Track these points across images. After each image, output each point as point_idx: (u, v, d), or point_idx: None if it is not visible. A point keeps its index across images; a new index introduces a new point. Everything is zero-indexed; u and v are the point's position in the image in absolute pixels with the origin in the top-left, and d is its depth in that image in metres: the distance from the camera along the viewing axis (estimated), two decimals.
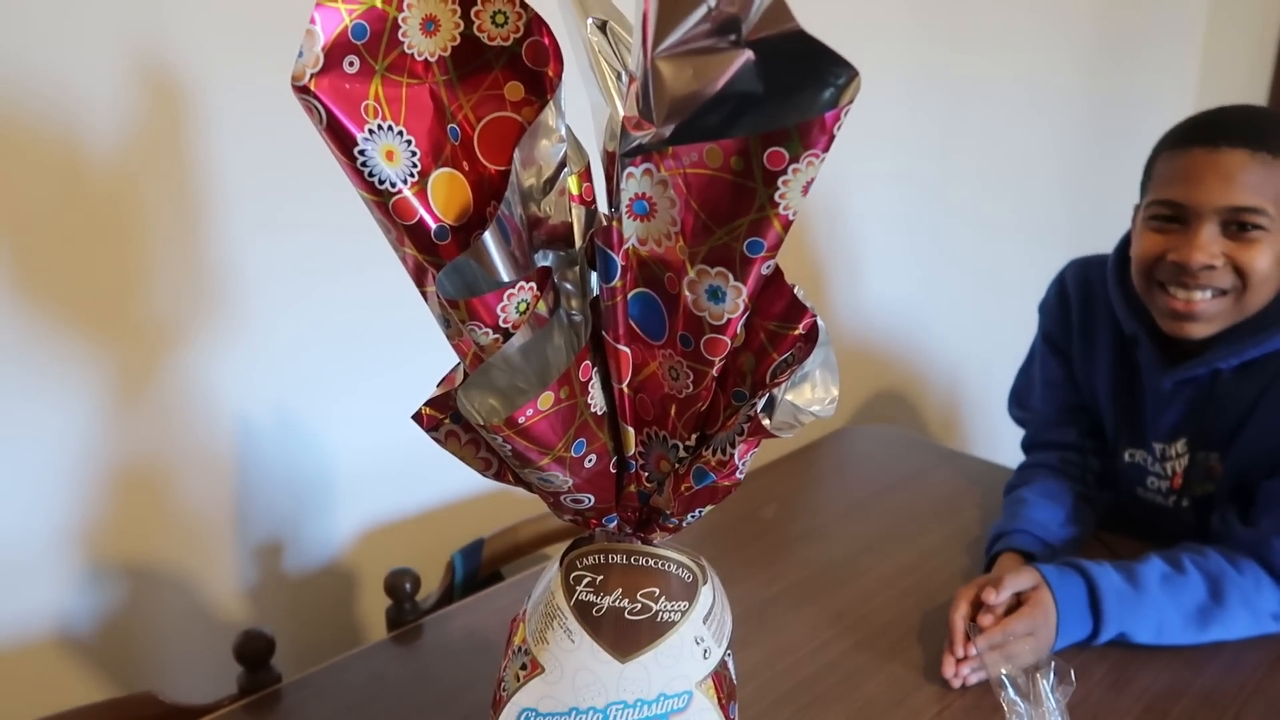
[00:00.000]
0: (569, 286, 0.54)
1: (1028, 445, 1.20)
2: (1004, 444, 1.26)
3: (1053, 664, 0.59)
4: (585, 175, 0.54)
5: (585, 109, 0.56)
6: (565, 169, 0.50)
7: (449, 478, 1.24)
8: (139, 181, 0.93)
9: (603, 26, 0.54)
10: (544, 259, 0.52)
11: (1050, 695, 0.53)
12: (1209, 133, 0.90)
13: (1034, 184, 1.95)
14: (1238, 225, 0.89)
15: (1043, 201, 1.98)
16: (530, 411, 0.46)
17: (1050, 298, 1.14)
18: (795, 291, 0.50)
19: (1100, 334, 1.08)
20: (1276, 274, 0.91)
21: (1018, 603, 0.91)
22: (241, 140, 0.97)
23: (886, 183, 1.65)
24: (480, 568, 1.12)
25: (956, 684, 0.87)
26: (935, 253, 1.79)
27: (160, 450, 1.02)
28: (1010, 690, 0.55)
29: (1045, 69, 1.86)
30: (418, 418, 0.55)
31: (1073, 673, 0.58)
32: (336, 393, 1.12)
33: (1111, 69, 1.99)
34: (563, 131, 0.49)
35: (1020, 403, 1.22)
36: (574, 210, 0.53)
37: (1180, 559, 0.94)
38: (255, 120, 0.97)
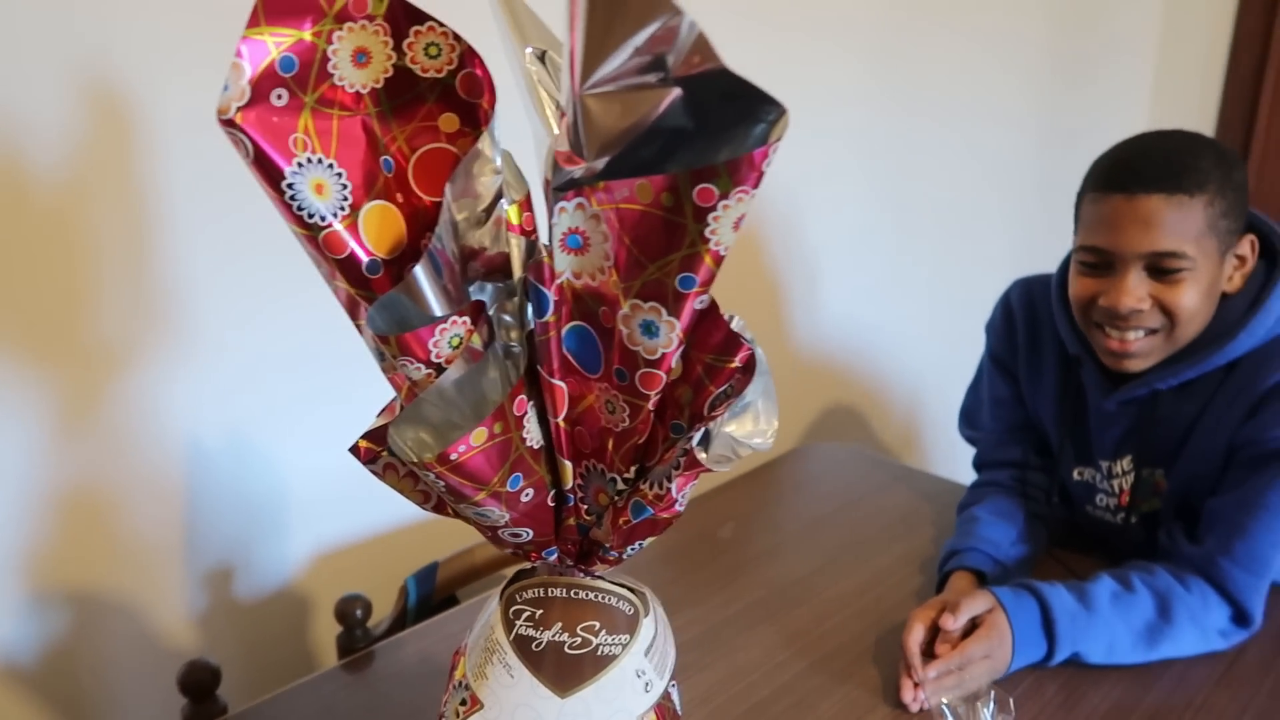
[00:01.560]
0: (508, 318, 0.53)
1: (979, 464, 1.21)
2: (963, 461, 1.27)
3: (992, 692, 0.59)
4: (526, 205, 0.54)
5: (529, 137, 0.56)
6: (502, 200, 0.50)
7: (404, 500, 1.23)
8: (86, 201, 0.91)
9: (541, 56, 0.54)
10: (481, 291, 0.52)
11: None
12: (1125, 180, 0.90)
13: (990, 205, 1.97)
14: (1161, 270, 0.90)
15: (998, 222, 2.00)
16: (463, 447, 0.45)
17: (996, 318, 1.15)
18: (732, 324, 0.50)
19: (1046, 354, 1.09)
20: (1206, 305, 0.93)
21: (973, 626, 0.91)
22: (191, 160, 0.96)
23: (844, 205, 1.66)
24: (434, 592, 1.10)
25: (915, 708, 0.87)
26: (893, 273, 1.81)
27: (107, 474, 1.00)
28: (950, 718, 0.55)
29: (1000, 93, 1.88)
30: (355, 450, 0.54)
31: (1012, 702, 0.58)
32: (289, 415, 1.11)
33: (1065, 93, 2.02)
34: (498, 163, 0.48)
35: (970, 422, 1.23)
36: (513, 240, 0.53)
37: (1130, 577, 0.95)
38: (206, 139, 0.96)
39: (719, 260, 0.43)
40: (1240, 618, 0.94)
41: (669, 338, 0.45)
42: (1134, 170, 0.90)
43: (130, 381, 0.99)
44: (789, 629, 1.01)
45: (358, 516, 1.21)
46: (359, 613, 1.00)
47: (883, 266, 1.79)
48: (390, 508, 1.23)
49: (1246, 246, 0.95)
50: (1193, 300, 0.91)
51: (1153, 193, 0.88)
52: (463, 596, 1.17)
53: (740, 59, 1.42)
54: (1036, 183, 2.03)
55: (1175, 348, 0.95)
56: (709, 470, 0.49)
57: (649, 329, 0.45)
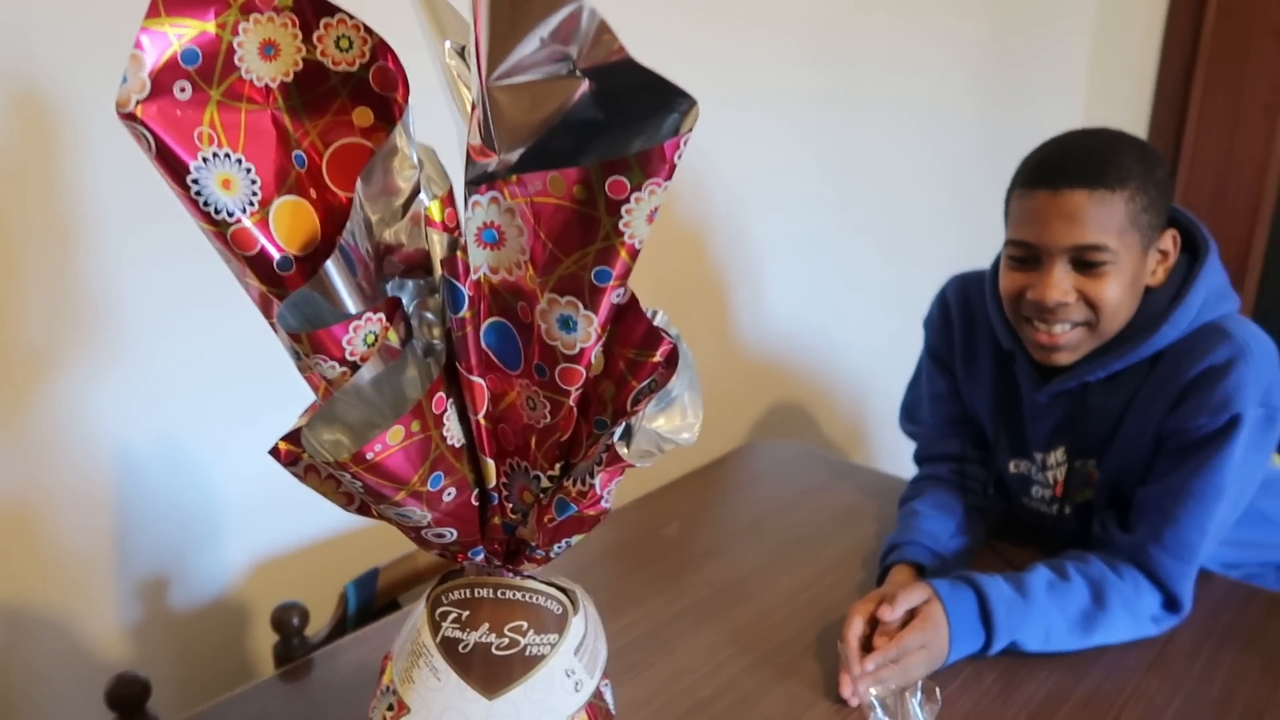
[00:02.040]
0: (429, 316, 0.52)
1: (919, 458, 1.22)
2: (908, 456, 1.29)
3: (919, 683, 0.60)
4: (448, 201, 0.53)
5: (453, 133, 0.55)
6: (420, 195, 0.49)
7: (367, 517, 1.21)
8: (6, 202, 0.88)
9: (461, 51, 0.53)
10: (401, 288, 0.51)
11: (919, 713, 0.54)
12: (1050, 175, 0.93)
13: (933, 203, 2.00)
14: (1085, 263, 0.93)
15: (942, 220, 2.03)
16: (379, 446, 0.44)
17: (933, 314, 1.17)
18: (655, 319, 0.49)
19: (981, 348, 1.11)
20: (1129, 298, 0.95)
21: (910, 617, 0.92)
22: (117, 159, 0.93)
23: (789, 204, 1.67)
24: (375, 598, 1.09)
25: (854, 702, 0.87)
26: (837, 271, 1.82)
27: (32, 483, 0.97)
28: (879, 711, 0.55)
29: (942, 93, 1.91)
30: (275, 452, 0.53)
31: (939, 691, 0.59)
32: (224, 421, 1.08)
33: (1004, 92, 2.06)
34: (414, 157, 0.48)
35: (910, 417, 1.25)
36: (435, 237, 0.52)
37: (1064, 566, 0.96)
38: (130, 140, 0.93)
39: (634, 254, 0.42)
40: (1171, 604, 0.96)
41: (587, 332, 0.45)
42: (1059, 167, 0.93)
43: (55, 387, 0.96)
44: (732, 627, 1.01)
45: (297, 523, 1.18)
46: (296, 620, 0.98)
47: (828, 265, 1.80)
48: (330, 514, 1.21)
49: (1169, 241, 0.97)
50: (1116, 293, 0.93)
51: (1076, 188, 0.91)
52: (405, 602, 1.15)
53: (683, 56, 1.42)
54: (978, 180, 2.06)
55: (1101, 340, 0.97)
56: (632, 466, 0.49)
57: (566, 324, 0.45)
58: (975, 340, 1.12)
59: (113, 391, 0.99)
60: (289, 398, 1.10)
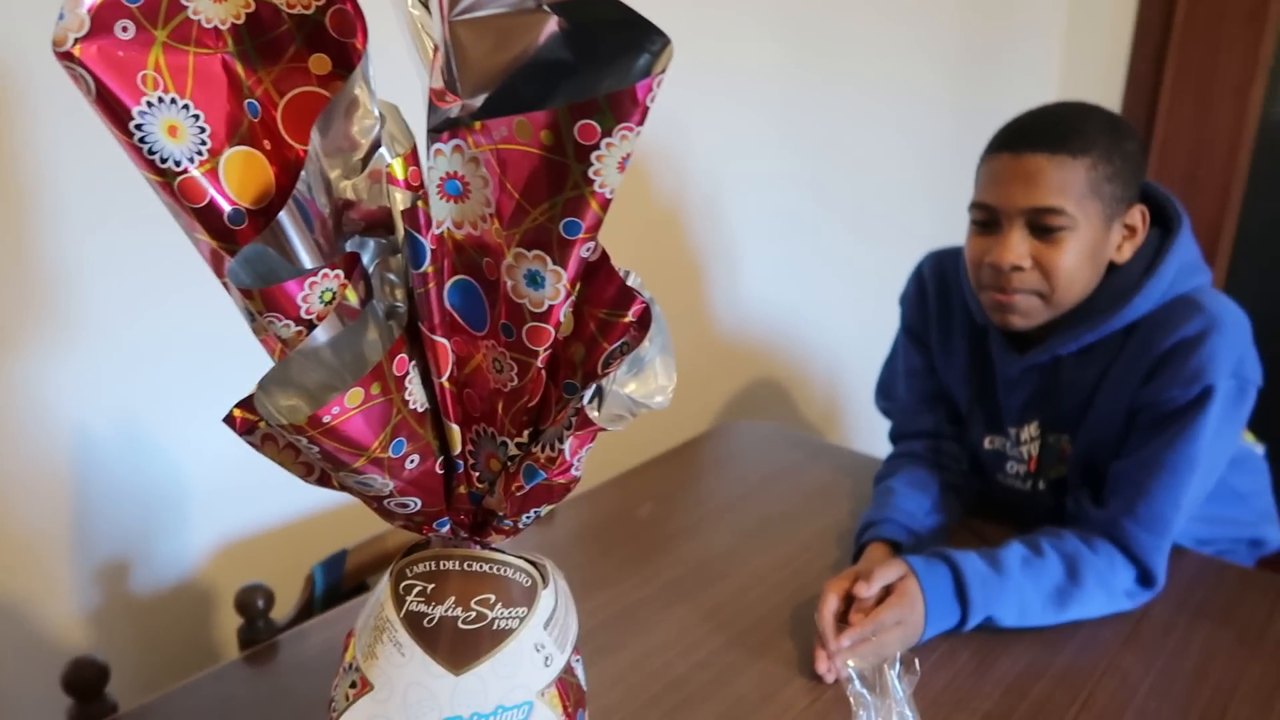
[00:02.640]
0: (392, 276, 0.50)
1: (894, 435, 1.21)
2: (885, 435, 1.28)
3: (898, 654, 0.59)
4: (411, 159, 0.51)
5: (418, 90, 0.53)
6: (380, 150, 0.47)
7: (313, 487, 1.19)
8: None
9: (425, 1, 0.51)
10: (362, 247, 0.49)
11: (897, 685, 0.53)
12: (1013, 139, 0.94)
13: (907, 182, 1.99)
14: (1042, 227, 0.93)
15: (916, 199, 2.03)
16: (336, 409, 0.42)
17: (909, 290, 1.16)
18: (627, 278, 0.48)
19: (956, 324, 1.10)
20: (1086, 269, 0.95)
21: (886, 593, 0.91)
22: (73, 131, 0.90)
23: (764, 184, 1.66)
24: (343, 579, 1.06)
25: (830, 678, 0.86)
26: (811, 251, 1.81)
27: None
28: (857, 683, 0.54)
29: (916, 72, 1.90)
30: (230, 420, 0.50)
31: (918, 663, 0.58)
32: (187, 401, 1.05)
33: (978, 72, 2.06)
34: (375, 109, 0.45)
35: (886, 394, 1.24)
36: (398, 195, 0.50)
37: (1039, 542, 0.96)
38: (87, 110, 0.90)
39: (605, 204, 0.41)
40: (1145, 578, 0.96)
41: (555, 289, 0.43)
42: (1022, 131, 0.94)
43: (10, 367, 0.93)
44: (706, 606, 1.00)
45: (264, 505, 1.16)
46: (260, 603, 0.96)
47: (802, 245, 1.79)
48: (298, 496, 1.18)
49: (1137, 217, 0.97)
50: (1072, 261, 0.93)
51: (1037, 151, 0.91)
52: (374, 584, 1.13)
53: None
54: (950, 160, 2.06)
55: (1056, 311, 0.97)
56: (603, 430, 0.47)
57: (534, 280, 0.43)
58: (950, 316, 1.11)
59: (72, 371, 0.96)
60: (255, 379, 1.08)
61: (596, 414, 0.46)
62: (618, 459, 1.38)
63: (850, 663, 0.66)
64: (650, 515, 1.20)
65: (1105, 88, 2.17)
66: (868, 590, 0.89)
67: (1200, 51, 2.01)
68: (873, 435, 1.96)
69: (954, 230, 2.00)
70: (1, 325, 0.91)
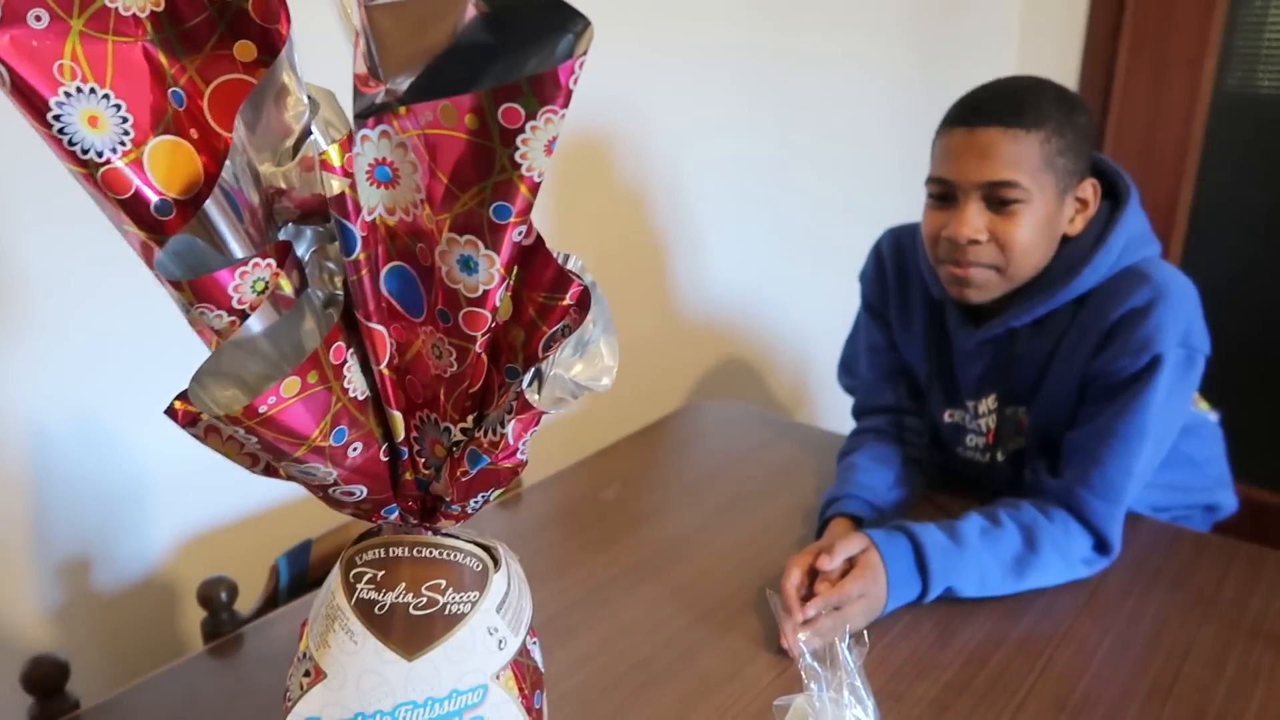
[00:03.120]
0: (330, 264, 0.50)
1: (857, 412, 1.22)
2: (850, 413, 1.29)
3: (847, 628, 0.60)
4: (348, 145, 0.50)
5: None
6: (311, 136, 0.46)
7: (275, 480, 1.18)
8: None
9: None
10: (297, 235, 0.49)
11: (847, 656, 0.53)
12: (967, 113, 0.95)
13: (868, 159, 2.00)
14: (998, 201, 0.94)
15: (877, 176, 2.03)
16: (272, 399, 0.42)
17: (869, 267, 1.17)
18: (566, 261, 0.48)
19: (914, 299, 1.11)
20: (1042, 242, 0.96)
21: (849, 567, 0.92)
22: (15, 119, 0.88)
23: (725, 161, 1.66)
24: (309, 570, 1.06)
25: (796, 652, 0.87)
26: (776, 229, 1.82)
27: None
28: (808, 656, 0.55)
29: (871, 49, 1.90)
30: (171, 412, 0.50)
31: (866, 634, 0.59)
32: (145, 394, 1.04)
33: (934, 56, 2.06)
34: (303, 95, 0.45)
35: (848, 371, 1.25)
36: (334, 182, 0.49)
37: (997, 513, 0.97)
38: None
39: (534, 188, 0.41)
40: (1101, 546, 0.98)
41: (489, 273, 0.43)
42: (976, 106, 0.95)
43: None
44: (672, 585, 1.00)
45: (227, 498, 1.15)
46: (223, 595, 0.95)
47: (767, 224, 1.79)
48: (261, 487, 1.17)
49: (1088, 190, 0.98)
50: (1027, 234, 0.94)
51: (991, 125, 0.92)
52: None
53: (615, 10, 1.39)
54: (912, 136, 2.06)
55: (1012, 284, 0.98)
56: (544, 413, 0.47)
57: (467, 265, 0.43)
58: (909, 291, 1.12)
59: (22, 365, 0.95)
60: None
61: (537, 397, 0.46)
62: (585, 441, 1.38)
63: (802, 637, 0.67)
64: (617, 496, 1.20)
65: (1062, 61, 2.19)
66: (830, 563, 0.90)
67: (1154, 24, 2.03)
68: (839, 413, 1.97)
69: (917, 205, 2.01)
70: None
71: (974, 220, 0.94)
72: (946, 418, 1.12)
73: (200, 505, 1.13)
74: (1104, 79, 2.11)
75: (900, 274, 1.12)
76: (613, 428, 1.43)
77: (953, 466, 1.17)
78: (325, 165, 0.47)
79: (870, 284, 1.17)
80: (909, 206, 2.01)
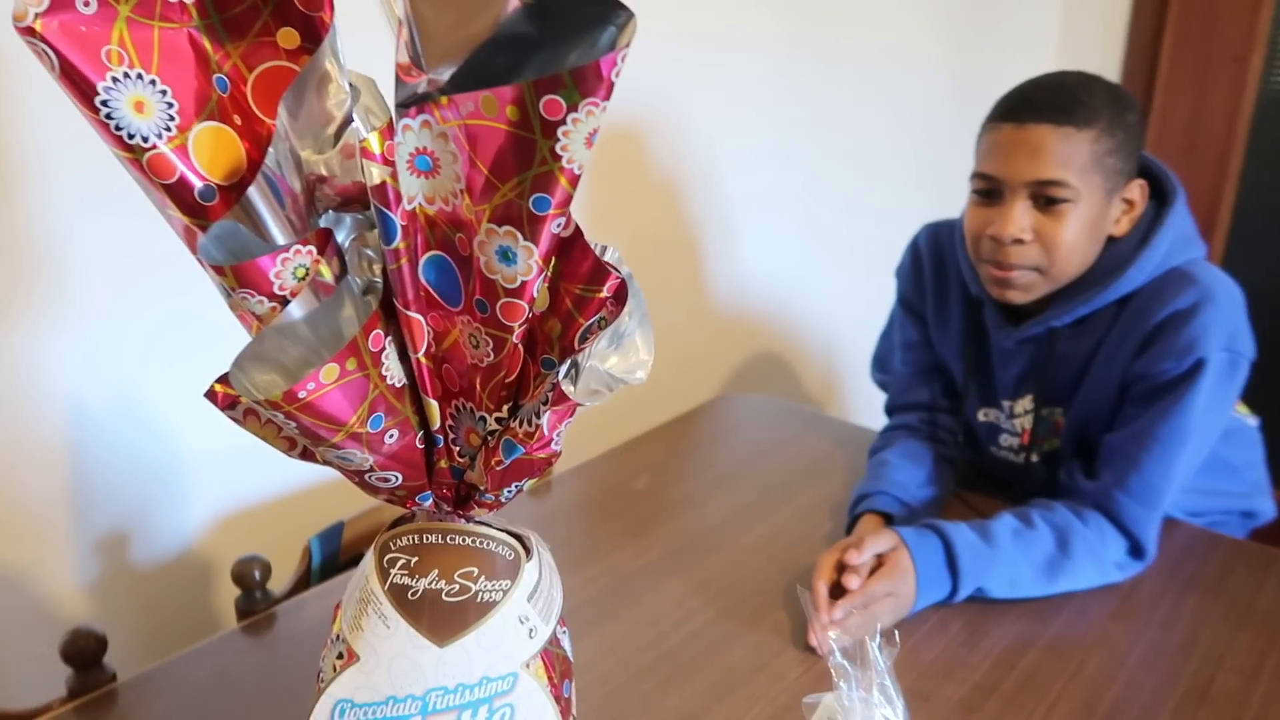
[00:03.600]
0: (369, 252, 0.50)
1: (889, 408, 1.21)
2: (882, 407, 1.29)
3: (878, 627, 0.59)
4: (388, 132, 0.51)
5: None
6: (353, 123, 0.46)
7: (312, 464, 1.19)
8: None
9: None
10: (337, 222, 0.49)
11: (878, 656, 0.53)
12: (1017, 109, 0.93)
13: (904, 153, 1.98)
14: (1046, 199, 0.92)
15: (913, 170, 2.01)
16: (312, 385, 0.42)
17: (905, 262, 1.16)
18: (606, 255, 0.47)
19: (951, 296, 1.10)
20: (1087, 243, 0.94)
21: (878, 564, 0.92)
22: (58, 104, 0.89)
23: (759, 153, 1.65)
24: (340, 551, 1.07)
25: (823, 650, 0.87)
26: (810, 223, 1.81)
27: None
28: (838, 655, 0.54)
29: (911, 41, 1.88)
30: (211, 395, 0.51)
31: (897, 634, 0.58)
32: (184, 372, 1.06)
33: (974, 42, 2.03)
34: (344, 82, 0.45)
35: (881, 367, 1.24)
36: (375, 170, 0.50)
37: (1029, 514, 0.96)
38: None
39: (574, 180, 0.40)
40: (1136, 550, 0.97)
41: (528, 264, 0.43)
42: (1026, 101, 0.92)
43: (6, 342, 0.93)
44: (700, 577, 1.00)
45: (262, 477, 1.17)
46: (257, 574, 0.97)
47: (799, 217, 1.78)
48: (295, 468, 1.19)
49: (1136, 190, 0.96)
50: (1073, 234, 0.92)
51: (1042, 122, 0.90)
52: None
53: (653, 8, 1.38)
54: (947, 131, 2.04)
55: (1054, 285, 0.96)
56: (580, 405, 0.47)
57: (506, 255, 0.43)
58: (946, 288, 1.11)
59: (66, 344, 0.97)
60: None
61: (573, 389, 0.46)
62: (615, 431, 1.39)
63: (832, 635, 0.67)
64: (646, 487, 1.20)
65: (1104, 57, 2.15)
66: (858, 557, 0.89)
67: (1199, 20, 1.98)
68: (870, 407, 1.96)
69: (952, 201, 1.99)
70: None
71: (1020, 219, 0.92)
72: (980, 417, 1.11)
73: (235, 484, 1.15)
74: (1147, 74, 2.07)
75: (938, 270, 1.11)
76: (643, 417, 1.43)
77: (985, 465, 1.15)
78: (366, 153, 0.47)
79: (906, 280, 1.16)
80: (944, 202, 1.99)
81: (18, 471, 0.98)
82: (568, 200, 0.41)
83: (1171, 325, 0.92)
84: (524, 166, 0.40)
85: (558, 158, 0.39)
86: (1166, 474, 0.93)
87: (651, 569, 1.02)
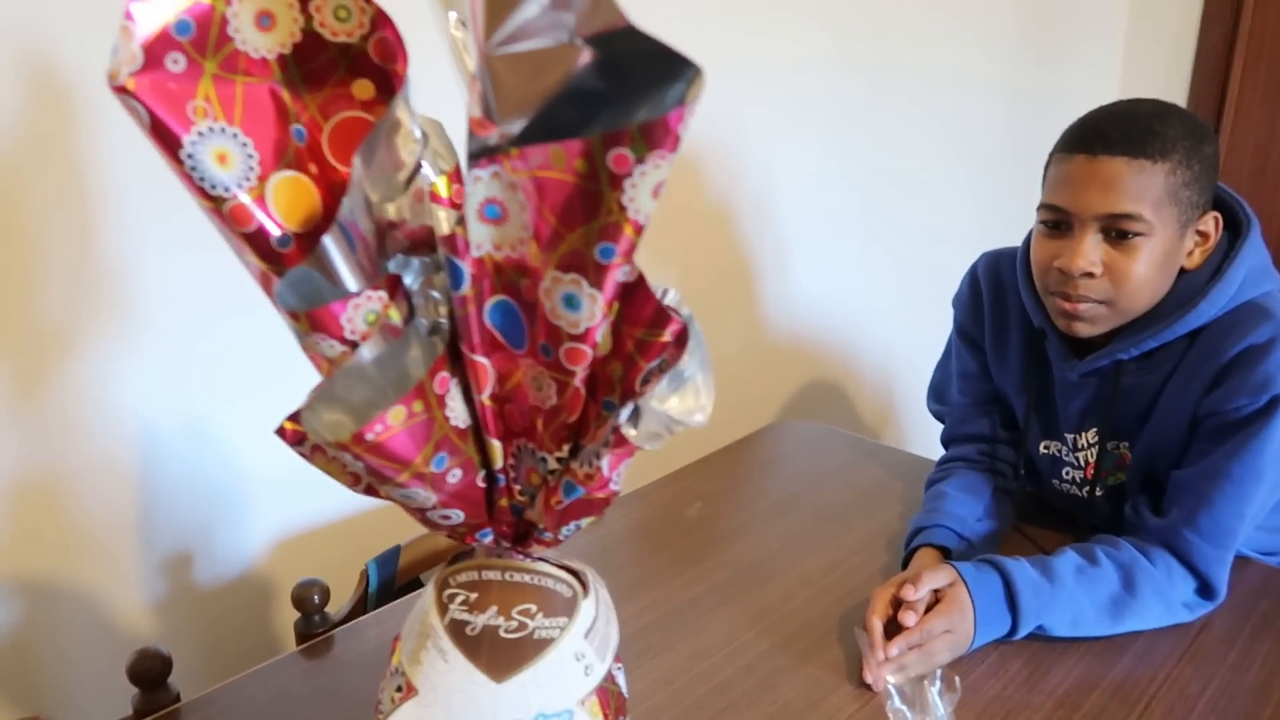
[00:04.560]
0: (435, 294, 0.51)
1: (947, 439, 1.20)
2: (938, 437, 1.27)
3: (939, 672, 0.58)
4: (455, 177, 0.52)
5: (461, 102, 0.54)
6: (422, 170, 0.48)
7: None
8: (26, 180, 0.89)
9: (465, 23, 0.52)
10: (406, 266, 0.50)
11: (938, 702, 0.52)
12: (1090, 140, 0.90)
13: (960, 179, 1.96)
14: (1117, 232, 0.90)
15: (969, 196, 1.99)
16: (380, 427, 0.43)
17: (963, 291, 1.14)
18: (666, 298, 0.48)
19: (1011, 326, 1.08)
20: (1158, 276, 0.92)
21: (935, 600, 0.90)
22: (135, 135, 0.93)
23: (814, 181, 1.64)
24: (396, 576, 1.09)
25: (878, 687, 0.86)
26: (864, 249, 1.79)
27: (57, 460, 0.98)
28: (896, 699, 0.54)
29: (970, 65, 1.86)
30: (280, 432, 0.52)
31: (958, 680, 0.57)
32: (248, 398, 1.09)
33: (1035, 65, 2.01)
34: (416, 131, 0.46)
35: (938, 397, 1.22)
36: (442, 214, 0.51)
37: (1093, 551, 0.94)
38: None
39: (639, 230, 0.41)
40: (1205, 590, 0.94)
41: (591, 311, 0.44)
42: (1100, 132, 0.90)
43: (80, 365, 0.97)
44: (753, 608, 1.00)
45: (321, 501, 1.19)
46: (316, 598, 0.98)
47: (853, 242, 1.77)
48: (354, 494, 1.21)
49: (1210, 223, 0.93)
50: (1144, 268, 0.90)
51: (1115, 155, 0.88)
52: (427, 580, 1.15)
53: (705, 33, 1.39)
54: (1006, 156, 2.02)
55: (1123, 318, 0.94)
56: (640, 448, 0.47)
57: (570, 302, 0.44)
58: (1005, 318, 1.09)
59: (136, 368, 1.00)
60: (314, 376, 1.10)
61: (634, 432, 0.46)
62: (668, 458, 1.39)
63: (890, 679, 0.66)
64: (700, 515, 1.20)
65: (1171, 79, 2.11)
66: (915, 593, 0.88)
67: (1270, 42, 1.93)
68: (926, 436, 1.93)
69: (1010, 228, 1.96)
70: (71, 326, 0.95)
71: (1090, 252, 0.90)
72: (1042, 449, 1.09)
73: (295, 507, 1.17)
74: (1216, 97, 2.02)
75: (997, 300, 1.10)
76: (696, 445, 1.43)
77: (1047, 498, 1.13)
78: (434, 197, 0.49)
79: (964, 309, 1.14)
80: (999, 226, 1.97)
81: (94, 494, 1.01)
82: (633, 249, 0.42)
83: (1245, 361, 0.89)
84: (590, 217, 0.41)
85: (624, 209, 0.40)
86: (1239, 513, 0.91)
87: (704, 599, 1.02)
